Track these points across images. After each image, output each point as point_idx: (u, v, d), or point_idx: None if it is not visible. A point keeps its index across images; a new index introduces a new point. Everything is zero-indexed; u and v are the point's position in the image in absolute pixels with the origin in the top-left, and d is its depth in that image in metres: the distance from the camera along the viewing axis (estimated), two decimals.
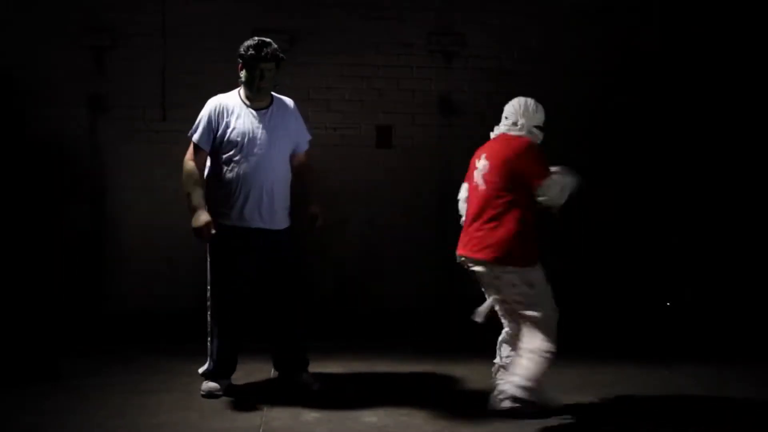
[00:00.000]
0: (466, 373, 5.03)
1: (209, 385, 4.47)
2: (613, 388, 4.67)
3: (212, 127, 4.39)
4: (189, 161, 4.40)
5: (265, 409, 4.24)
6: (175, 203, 6.19)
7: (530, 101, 4.29)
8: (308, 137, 4.67)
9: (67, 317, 5.91)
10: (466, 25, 6.48)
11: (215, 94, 4.66)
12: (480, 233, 4.21)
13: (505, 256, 4.15)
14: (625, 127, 6.60)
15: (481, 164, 4.30)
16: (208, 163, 4.45)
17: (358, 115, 6.42)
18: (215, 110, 4.42)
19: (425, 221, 6.45)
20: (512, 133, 4.26)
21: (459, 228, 6.47)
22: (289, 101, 4.62)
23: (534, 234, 4.21)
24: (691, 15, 6.62)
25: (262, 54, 4.31)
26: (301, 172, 4.64)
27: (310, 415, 4.15)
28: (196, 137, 4.40)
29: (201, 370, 4.54)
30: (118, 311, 6.08)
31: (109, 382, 4.64)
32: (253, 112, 4.42)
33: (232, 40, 6.07)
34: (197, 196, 4.30)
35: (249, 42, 4.39)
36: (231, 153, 4.36)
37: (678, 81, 6.62)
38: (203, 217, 4.24)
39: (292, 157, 4.56)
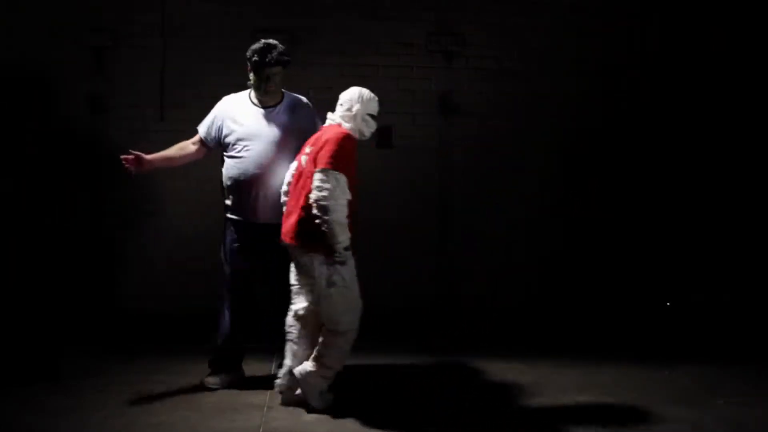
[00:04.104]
0: (466, 372, 5.03)
1: (207, 379, 4.58)
2: (614, 388, 4.66)
3: (214, 125, 4.58)
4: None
5: (265, 409, 4.24)
6: (174, 203, 6.21)
7: (365, 90, 4.31)
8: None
9: (67, 317, 5.90)
10: (466, 25, 6.49)
11: (215, 94, 4.69)
12: (288, 216, 4.23)
13: (300, 238, 4.13)
14: (626, 126, 6.60)
15: (306, 150, 4.26)
16: (224, 163, 4.57)
17: None
18: (221, 112, 4.59)
19: (425, 221, 6.45)
20: (343, 121, 4.24)
21: (459, 229, 6.52)
22: (302, 99, 4.70)
23: (352, 223, 4.13)
24: (691, 15, 6.62)
25: (266, 60, 4.41)
26: None
27: (310, 415, 4.14)
28: (200, 126, 4.64)
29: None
30: (117, 311, 6.07)
31: (109, 382, 4.63)
32: (261, 110, 4.52)
33: (232, 40, 6.13)
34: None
35: (256, 46, 4.45)
36: (236, 151, 4.48)
37: (678, 81, 6.62)
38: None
39: None
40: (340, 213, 4.00)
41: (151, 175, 6.05)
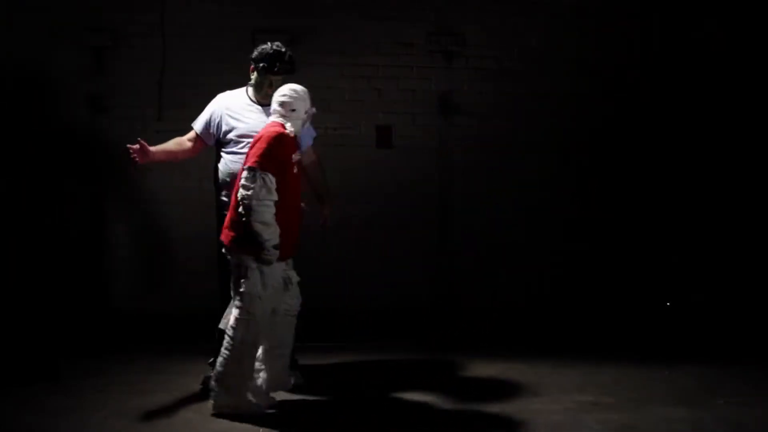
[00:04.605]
0: (466, 372, 5.03)
1: (209, 377, 4.53)
2: (614, 388, 4.66)
3: (212, 121, 4.58)
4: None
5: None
6: (174, 203, 6.21)
7: (299, 86, 4.21)
8: (314, 134, 4.78)
9: (67, 317, 5.90)
10: (466, 25, 6.49)
11: (214, 94, 4.69)
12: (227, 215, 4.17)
13: (229, 239, 4.07)
14: (625, 126, 6.60)
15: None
16: (221, 159, 4.56)
17: (358, 115, 6.42)
18: (219, 107, 4.59)
19: (425, 221, 6.45)
20: (288, 122, 4.14)
21: (459, 229, 6.52)
22: None
23: (287, 227, 4.05)
24: (691, 15, 6.62)
25: (275, 69, 4.44)
26: (314, 172, 4.78)
27: (310, 415, 4.14)
28: (195, 123, 4.63)
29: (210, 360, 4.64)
30: (118, 311, 6.07)
31: (109, 382, 4.64)
32: (258, 107, 4.54)
33: (232, 40, 6.13)
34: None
35: (264, 49, 4.46)
36: (237, 147, 4.47)
37: (678, 81, 6.62)
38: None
39: (301, 154, 4.65)
40: (263, 213, 3.93)
41: (150, 175, 6.10)
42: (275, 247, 3.98)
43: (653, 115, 6.62)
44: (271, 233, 3.97)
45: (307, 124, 4.31)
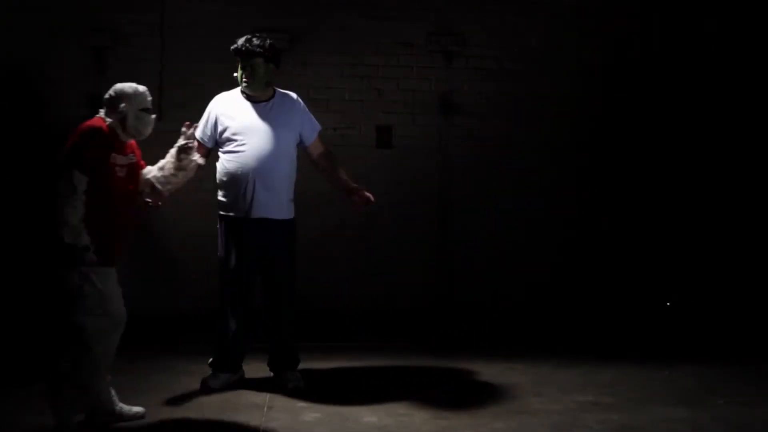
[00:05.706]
0: (466, 372, 5.03)
1: (208, 379, 4.56)
2: (614, 388, 4.66)
3: (208, 123, 4.57)
4: None
5: (265, 408, 4.24)
6: (172, 204, 6.20)
7: (130, 85, 3.86)
8: (317, 127, 4.75)
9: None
10: (466, 25, 6.49)
11: (214, 94, 4.69)
12: None
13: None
14: (625, 126, 6.60)
15: None
16: (219, 159, 4.57)
17: (358, 115, 6.43)
18: (214, 108, 4.60)
19: (425, 221, 6.45)
20: (107, 118, 3.83)
21: (459, 229, 6.52)
22: (293, 95, 4.72)
23: (109, 233, 3.74)
24: (691, 15, 6.62)
25: (240, 48, 4.46)
26: (326, 162, 4.76)
27: (310, 416, 4.14)
28: (197, 133, 4.45)
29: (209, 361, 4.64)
30: None
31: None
32: (253, 105, 4.55)
33: (232, 40, 6.11)
34: None
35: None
36: (232, 145, 4.48)
37: (678, 81, 6.62)
38: None
39: (307, 148, 4.71)
40: (66, 213, 3.58)
41: None
42: (85, 248, 3.63)
43: (653, 115, 6.62)
44: (74, 235, 3.60)
45: (142, 126, 3.90)
